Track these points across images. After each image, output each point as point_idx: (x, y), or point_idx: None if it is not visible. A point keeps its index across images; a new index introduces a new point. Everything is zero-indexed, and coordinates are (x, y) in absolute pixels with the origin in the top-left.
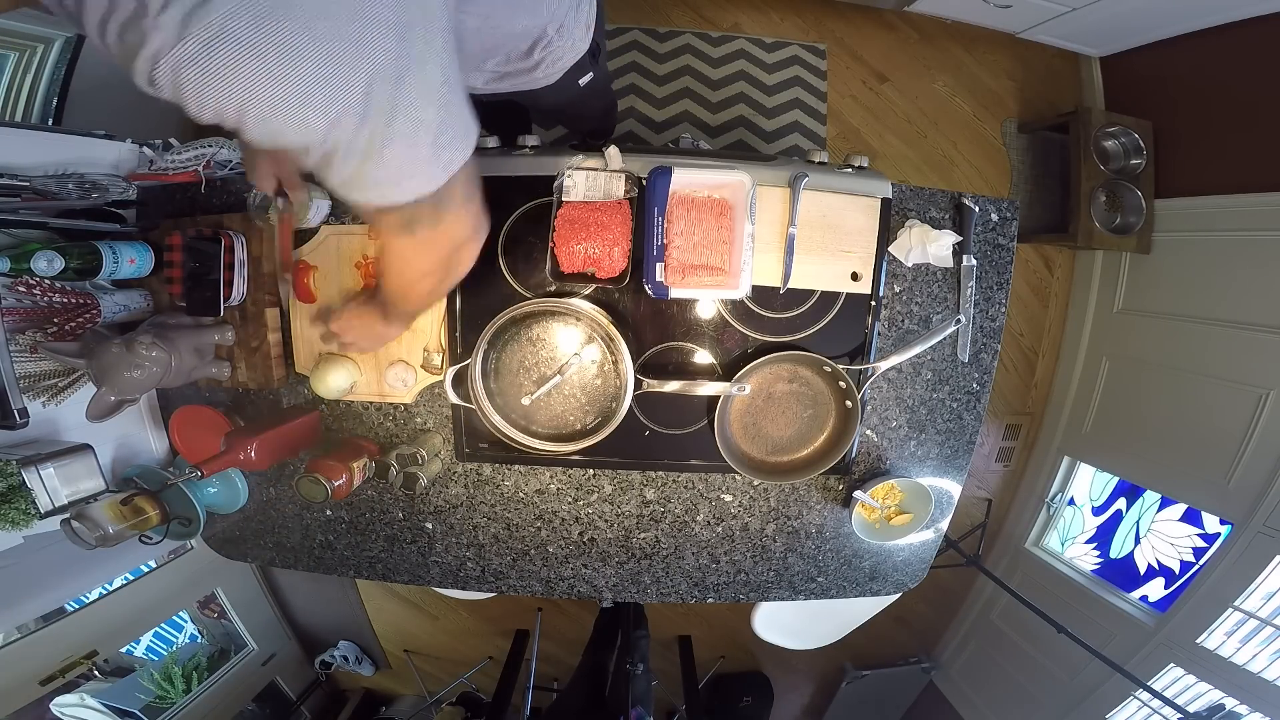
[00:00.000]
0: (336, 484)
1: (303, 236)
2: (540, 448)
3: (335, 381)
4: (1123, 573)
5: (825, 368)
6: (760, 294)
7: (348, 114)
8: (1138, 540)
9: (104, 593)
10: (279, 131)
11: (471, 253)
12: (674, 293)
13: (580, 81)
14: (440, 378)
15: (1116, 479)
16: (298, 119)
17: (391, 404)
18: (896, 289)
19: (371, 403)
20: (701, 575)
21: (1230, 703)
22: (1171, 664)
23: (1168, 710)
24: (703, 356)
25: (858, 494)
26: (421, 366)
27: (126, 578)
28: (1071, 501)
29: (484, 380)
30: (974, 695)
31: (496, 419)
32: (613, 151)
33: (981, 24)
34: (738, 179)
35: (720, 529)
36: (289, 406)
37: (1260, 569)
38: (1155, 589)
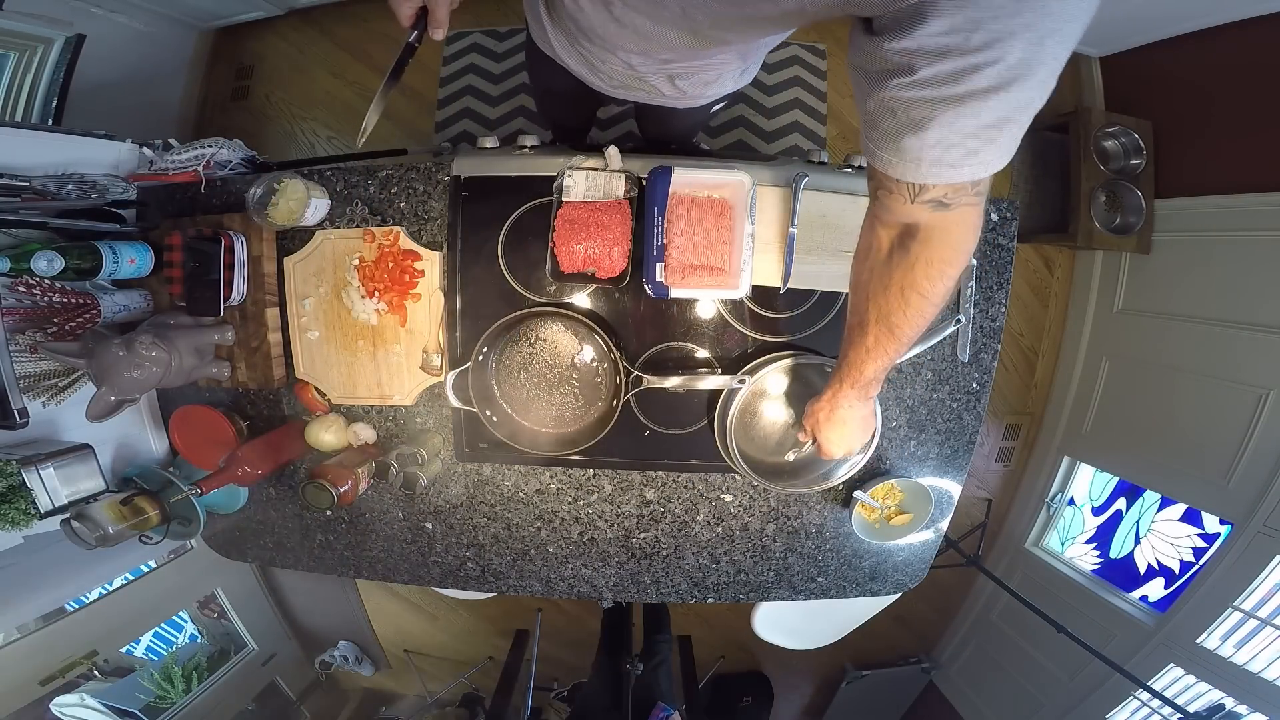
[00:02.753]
0: (343, 490)
1: (297, 240)
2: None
3: (327, 439)
4: (1123, 573)
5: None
6: (760, 294)
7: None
8: (1138, 540)
9: (104, 593)
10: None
11: None
12: (674, 293)
13: (713, 110)
14: (439, 379)
15: (1116, 479)
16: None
17: (391, 405)
18: None
19: (372, 406)
20: (701, 575)
21: (1230, 703)
22: (1171, 664)
23: (1168, 710)
24: (703, 356)
25: (858, 494)
26: (421, 368)
27: (126, 578)
28: (1071, 501)
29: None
30: (974, 695)
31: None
32: (612, 151)
33: None
34: (737, 179)
35: (720, 529)
36: (288, 414)
37: (1260, 569)
38: (1155, 589)
